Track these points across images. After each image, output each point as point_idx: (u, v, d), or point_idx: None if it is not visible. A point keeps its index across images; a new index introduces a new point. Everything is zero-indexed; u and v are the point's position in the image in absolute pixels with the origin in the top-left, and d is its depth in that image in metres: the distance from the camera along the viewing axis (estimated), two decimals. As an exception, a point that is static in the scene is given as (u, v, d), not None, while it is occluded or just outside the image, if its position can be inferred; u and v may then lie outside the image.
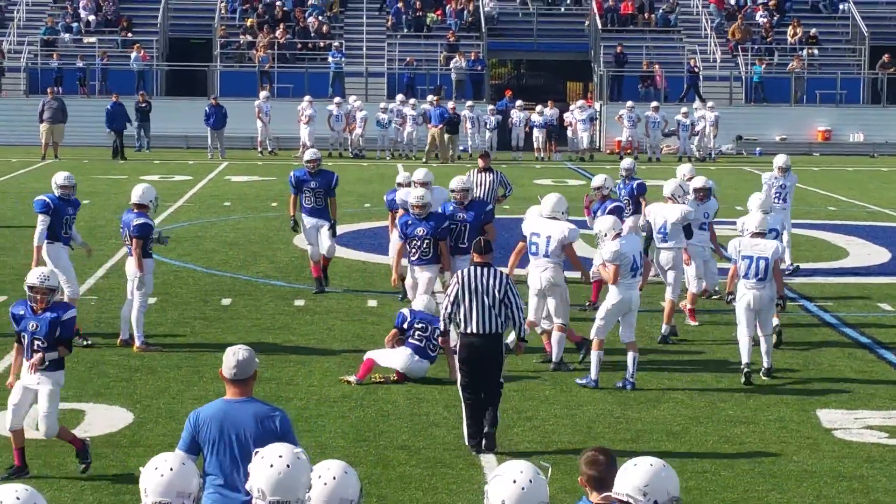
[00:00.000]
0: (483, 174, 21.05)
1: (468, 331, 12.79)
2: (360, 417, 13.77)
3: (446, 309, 12.92)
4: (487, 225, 17.74)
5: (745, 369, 15.36)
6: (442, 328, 13.36)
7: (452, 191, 18.11)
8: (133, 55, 49.25)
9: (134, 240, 16.37)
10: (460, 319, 12.81)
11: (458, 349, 13.07)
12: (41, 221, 16.77)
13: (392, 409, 14.11)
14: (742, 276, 15.47)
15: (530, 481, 6.09)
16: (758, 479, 12.07)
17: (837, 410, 14.28)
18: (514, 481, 6.10)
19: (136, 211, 16.52)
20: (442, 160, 42.21)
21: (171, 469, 6.27)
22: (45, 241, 16.79)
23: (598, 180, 19.44)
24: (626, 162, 21.67)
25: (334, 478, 6.20)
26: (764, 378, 15.57)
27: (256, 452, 6.35)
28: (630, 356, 15.04)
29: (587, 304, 18.89)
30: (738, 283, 15.57)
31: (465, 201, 17.82)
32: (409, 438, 13.12)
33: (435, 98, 44.72)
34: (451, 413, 13.79)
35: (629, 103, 45.67)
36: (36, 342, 11.70)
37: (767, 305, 15.49)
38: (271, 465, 6.21)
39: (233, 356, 8.21)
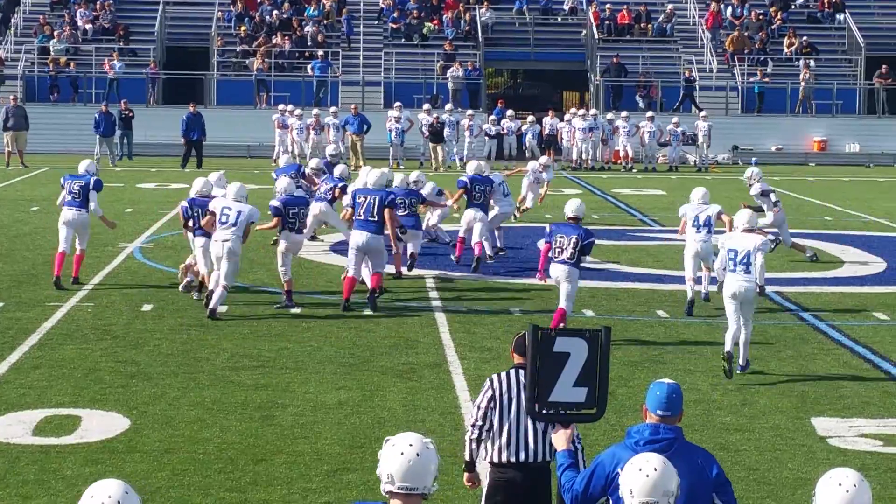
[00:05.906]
0: None
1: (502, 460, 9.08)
2: (355, 424, 13.78)
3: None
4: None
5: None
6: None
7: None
8: (147, 70, 49.30)
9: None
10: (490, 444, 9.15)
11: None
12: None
13: (388, 416, 14.13)
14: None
15: (855, 486, 6.21)
16: (753, 487, 12.09)
17: (832, 419, 14.30)
18: (840, 485, 6.25)
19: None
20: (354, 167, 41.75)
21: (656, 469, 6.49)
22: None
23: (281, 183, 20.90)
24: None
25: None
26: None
27: (388, 440, 6.38)
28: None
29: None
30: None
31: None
32: (404, 445, 13.08)
33: (353, 107, 44.94)
34: (447, 420, 13.81)
35: (624, 113, 45.72)
36: None
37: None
38: (402, 453, 6.25)
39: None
